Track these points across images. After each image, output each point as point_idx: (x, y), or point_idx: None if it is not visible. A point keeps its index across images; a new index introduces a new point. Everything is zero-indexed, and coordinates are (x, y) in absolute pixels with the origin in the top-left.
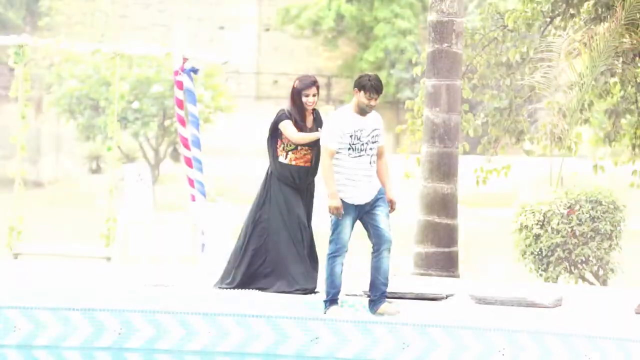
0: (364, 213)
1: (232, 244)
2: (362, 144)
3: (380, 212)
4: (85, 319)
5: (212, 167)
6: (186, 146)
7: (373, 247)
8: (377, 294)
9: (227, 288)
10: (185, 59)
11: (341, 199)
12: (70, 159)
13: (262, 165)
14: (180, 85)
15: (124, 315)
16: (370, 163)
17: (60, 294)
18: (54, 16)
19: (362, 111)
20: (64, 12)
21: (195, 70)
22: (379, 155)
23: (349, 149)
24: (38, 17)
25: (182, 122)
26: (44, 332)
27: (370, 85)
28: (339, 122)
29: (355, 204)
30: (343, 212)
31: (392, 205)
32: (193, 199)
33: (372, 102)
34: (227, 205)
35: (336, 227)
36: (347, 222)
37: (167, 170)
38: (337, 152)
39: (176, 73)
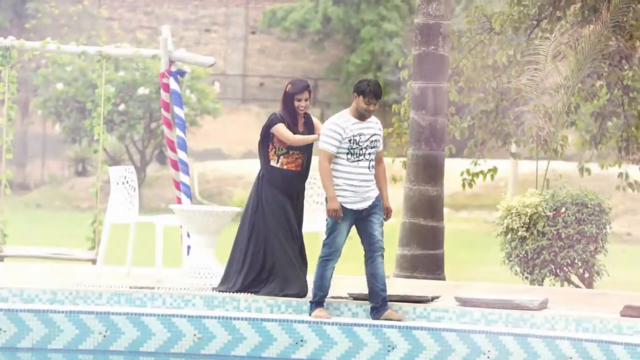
0: (359, 219)
1: (215, 246)
2: (361, 149)
3: (376, 220)
4: (70, 322)
5: (198, 170)
6: (172, 149)
7: (365, 254)
8: (378, 300)
9: (227, 292)
10: (171, 62)
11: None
12: (56, 161)
13: (248, 167)
14: (166, 87)
15: (109, 318)
16: (369, 168)
17: (45, 296)
18: (41, 18)
19: (361, 116)
20: (50, 15)
21: (182, 73)
22: (378, 161)
23: (348, 153)
24: (25, 20)
25: (169, 125)
26: (28, 334)
27: (369, 91)
28: (338, 126)
29: (354, 209)
30: (342, 215)
31: (387, 213)
32: (179, 201)
33: (371, 107)
34: (213, 208)
35: (332, 230)
36: (344, 226)
37: (153, 173)
38: (336, 157)
39: (162, 75)
